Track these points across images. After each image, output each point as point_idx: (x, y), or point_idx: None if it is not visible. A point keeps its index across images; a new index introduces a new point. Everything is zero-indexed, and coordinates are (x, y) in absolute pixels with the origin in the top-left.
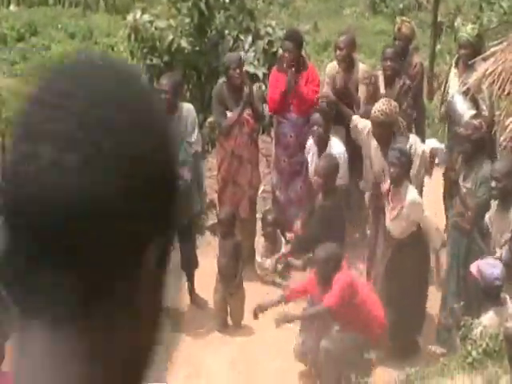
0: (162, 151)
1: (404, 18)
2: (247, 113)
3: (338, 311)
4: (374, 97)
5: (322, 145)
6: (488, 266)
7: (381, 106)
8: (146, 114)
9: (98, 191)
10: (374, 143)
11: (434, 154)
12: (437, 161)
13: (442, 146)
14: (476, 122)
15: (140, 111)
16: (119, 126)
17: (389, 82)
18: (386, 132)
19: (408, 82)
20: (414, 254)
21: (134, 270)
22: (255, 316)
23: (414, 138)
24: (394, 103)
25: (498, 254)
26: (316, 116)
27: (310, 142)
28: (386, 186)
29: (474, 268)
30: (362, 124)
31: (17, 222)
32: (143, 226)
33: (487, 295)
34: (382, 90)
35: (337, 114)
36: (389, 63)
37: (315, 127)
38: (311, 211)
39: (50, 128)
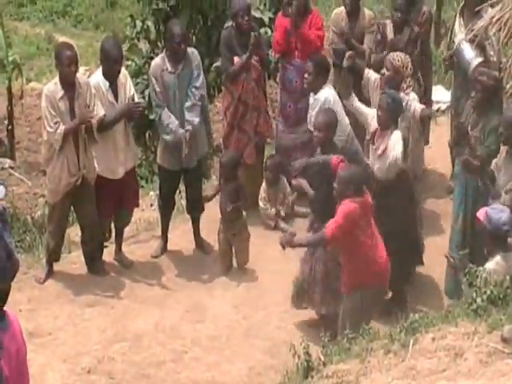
0: None
1: None
2: (254, 59)
3: (338, 241)
4: (381, 44)
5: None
6: (496, 211)
7: (401, 55)
8: None
9: None
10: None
11: (423, 115)
12: (442, 107)
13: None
14: (494, 72)
15: None
16: None
17: (398, 31)
18: (394, 78)
19: (416, 29)
20: (399, 197)
21: None
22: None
23: (413, 96)
24: (410, 65)
25: (501, 200)
26: (308, 64)
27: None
28: (372, 127)
29: (481, 214)
30: (374, 76)
31: None
32: None
33: (494, 240)
34: (391, 37)
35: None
36: (399, 14)
37: (306, 75)
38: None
39: None
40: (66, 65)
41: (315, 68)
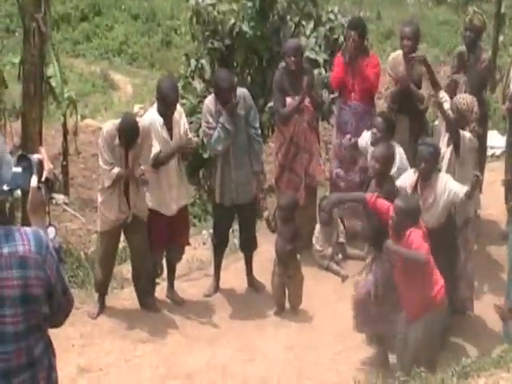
0: None
1: (476, 9)
2: (307, 100)
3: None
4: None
5: None
6: None
7: (467, 97)
8: None
9: None
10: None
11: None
12: (497, 153)
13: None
14: None
15: None
16: None
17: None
18: (460, 121)
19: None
20: (445, 242)
21: None
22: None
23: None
24: (477, 106)
25: None
26: (378, 120)
27: (366, 134)
28: (413, 179)
29: None
30: (446, 104)
31: None
32: None
33: None
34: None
35: (401, 104)
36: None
37: (375, 130)
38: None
39: None
40: (125, 142)
41: (384, 124)
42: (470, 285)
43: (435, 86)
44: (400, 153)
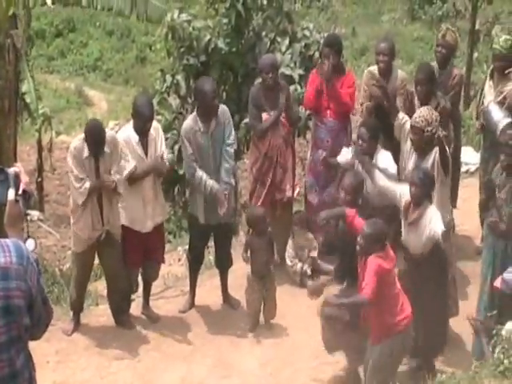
0: None
1: (449, 26)
2: (282, 115)
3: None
4: (409, 113)
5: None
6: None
7: (423, 112)
8: None
9: None
10: (408, 146)
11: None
12: (472, 169)
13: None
14: None
15: None
16: None
17: (423, 104)
18: (422, 139)
19: (443, 102)
20: (433, 269)
21: None
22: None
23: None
24: (435, 113)
25: None
26: (362, 130)
27: (346, 150)
28: (404, 202)
29: (497, 282)
30: (407, 124)
31: None
32: None
33: None
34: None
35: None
36: (420, 88)
37: (360, 141)
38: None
39: None
40: (93, 146)
41: (369, 134)
42: (454, 301)
43: (393, 111)
44: (386, 157)
